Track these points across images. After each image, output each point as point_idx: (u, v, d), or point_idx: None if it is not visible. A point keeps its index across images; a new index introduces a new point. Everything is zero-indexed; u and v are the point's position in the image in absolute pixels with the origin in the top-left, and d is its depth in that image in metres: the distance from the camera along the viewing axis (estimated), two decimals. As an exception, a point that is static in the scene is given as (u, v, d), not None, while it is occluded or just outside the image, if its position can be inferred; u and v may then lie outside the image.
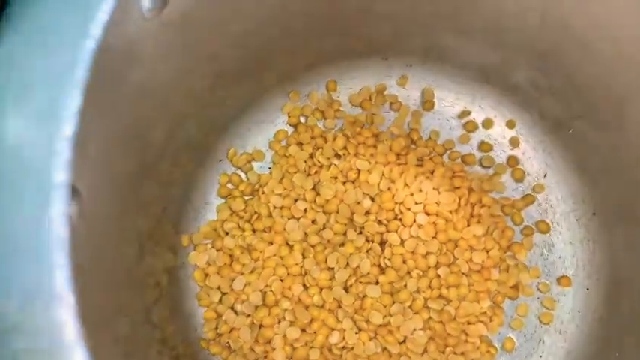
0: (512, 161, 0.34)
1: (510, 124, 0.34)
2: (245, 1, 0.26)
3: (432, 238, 0.31)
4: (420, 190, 0.32)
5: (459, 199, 0.32)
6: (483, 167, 0.34)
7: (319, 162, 0.33)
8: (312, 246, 0.31)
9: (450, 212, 0.32)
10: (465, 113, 0.34)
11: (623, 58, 0.27)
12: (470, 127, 0.34)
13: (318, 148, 0.33)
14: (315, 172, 0.33)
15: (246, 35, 0.28)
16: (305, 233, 0.32)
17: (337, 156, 0.33)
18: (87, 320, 0.15)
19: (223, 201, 0.33)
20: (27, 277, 0.14)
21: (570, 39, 0.28)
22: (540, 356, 0.31)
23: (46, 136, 0.13)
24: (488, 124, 0.34)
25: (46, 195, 0.13)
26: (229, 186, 0.33)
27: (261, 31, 0.28)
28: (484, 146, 0.34)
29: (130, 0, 0.17)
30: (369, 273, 0.31)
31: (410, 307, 0.31)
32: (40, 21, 0.14)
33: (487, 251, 0.32)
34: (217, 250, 0.32)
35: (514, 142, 0.34)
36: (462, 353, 0.31)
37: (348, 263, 0.31)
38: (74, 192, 0.15)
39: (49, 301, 0.13)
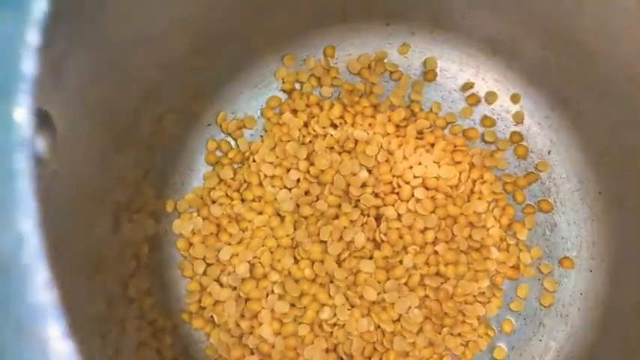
0: (516, 137, 0.32)
1: (515, 99, 0.32)
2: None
3: (431, 213, 0.30)
4: (420, 163, 0.30)
5: (460, 174, 0.31)
6: (486, 142, 0.32)
7: (314, 131, 0.31)
8: (305, 217, 0.30)
9: (450, 187, 0.30)
10: (467, 85, 0.32)
11: (635, 34, 0.26)
12: (472, 101, 0.32)
13: (313, 117, 0.31)
14: (310, 142, 0.31)
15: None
16: (297, 204, 0.30)
17: (333, 125, 0.31)
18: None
19: (211, 168, 0.31)
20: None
21: (582, 14, 0.27)
22: (540, 340, 0.30)
23: (10, 17, 0.11)
24: (491, 97, 0.32)
25: (11, 90, 0.11)
26: (218, 153, 0.31)
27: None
28: (487, 121, 0.32)
29: None
30: (363, 247, 0.29)
31: (405, 284, 0.29)
32: None
33: (487, 229, 0.30)
34: (203, 219, 0.30)
35: (518, 117, 0.32)
36: (459, 334, 0.29)
37: (341, 237, 0.29)
38: (45, 120, 0.13)
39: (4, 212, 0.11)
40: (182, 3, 0.25)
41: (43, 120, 0.12)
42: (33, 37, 0.11)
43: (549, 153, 0.32)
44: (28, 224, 0.11)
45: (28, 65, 0.11)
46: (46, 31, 0.11)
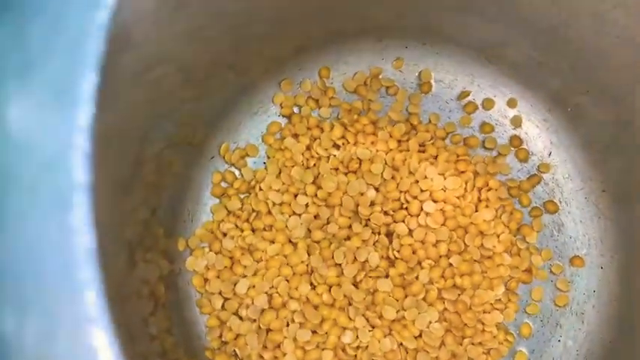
0: (516, 141, 0.32)
1: (512, 103, 0.32)
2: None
3: (441, 225, 0.30)
4: (425, 177, 0.31)
5: (465, 183, 0.31)
6: (486, 149, 0.32)
7: (317, 153, 0.31)
8: (317, 242, 0.30)
9: (458, 197, 0.31)
10: (464, 94, 0.33)
11: (622, 44, 0.26)
12: (470, 109, 0.33)
13: (315, 139, 0.31)
14: (314, 165, 0.31)
15: (225, 17, 0.26)
16: (308, 229, 0.30)
17: (336, 146, 0.31)
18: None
19: (218, 200, 0.31)
20: (48, 298, 0.11)
21: (575, 13, 0.27)
22: (559, 341, 0.30)
23: (58, 124, 0.11)
24: (488, 104, 0.33)
25: (65, 199, 0.11)
26: (223, 184, 0.31)
27: (242, 12, 0.26)
28: (486, 127, 0.32)
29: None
30: (378, 266, 0.29)
31: (423, 299, 0.29)
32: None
33: (497, 236, 0.31)
34: (216, 253, 0.30)
35: (516, 122, 0.32)
36: (480, 343, 0.30)
37: (355, 258, 0.29)
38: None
39: (76, 326, 0.11)
40: (173, 34, 0.25)
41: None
42: (84, 143, 0.11)
43: (550, 154, 0.32)
44: (100, 339, 0.11)
45: (83, 175, 0.11)
46: (94, 136, 0.11)
